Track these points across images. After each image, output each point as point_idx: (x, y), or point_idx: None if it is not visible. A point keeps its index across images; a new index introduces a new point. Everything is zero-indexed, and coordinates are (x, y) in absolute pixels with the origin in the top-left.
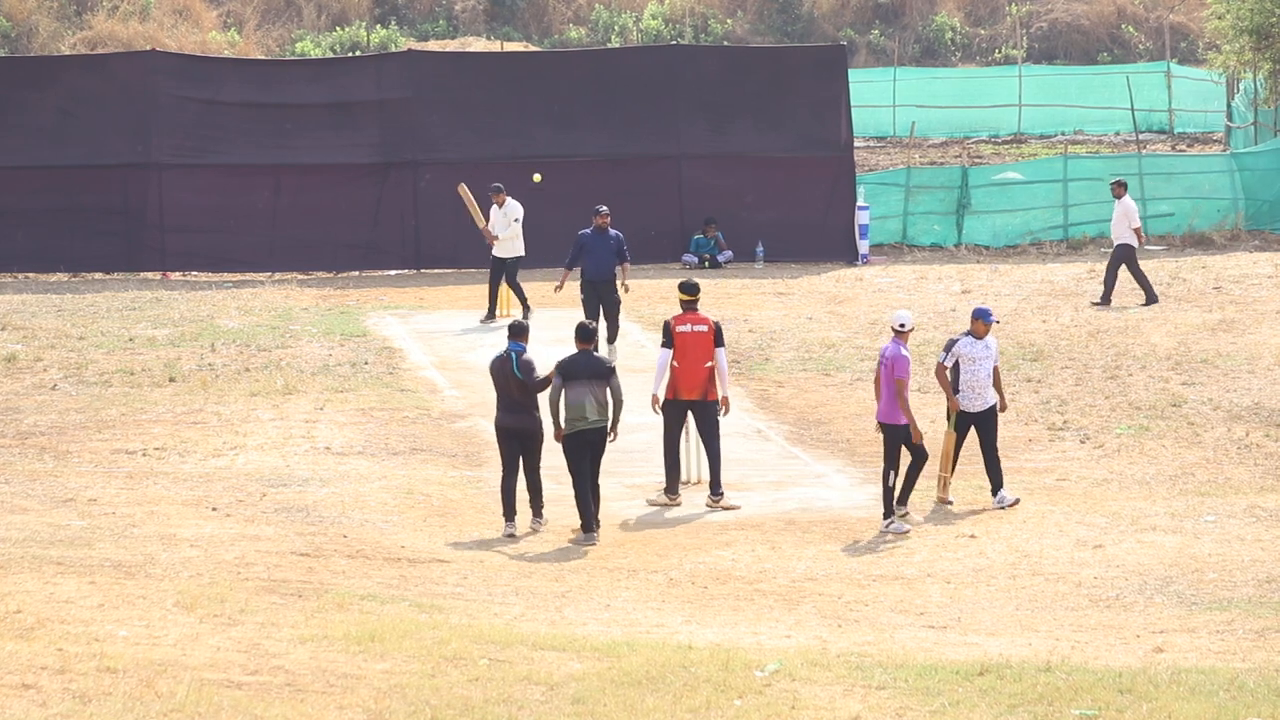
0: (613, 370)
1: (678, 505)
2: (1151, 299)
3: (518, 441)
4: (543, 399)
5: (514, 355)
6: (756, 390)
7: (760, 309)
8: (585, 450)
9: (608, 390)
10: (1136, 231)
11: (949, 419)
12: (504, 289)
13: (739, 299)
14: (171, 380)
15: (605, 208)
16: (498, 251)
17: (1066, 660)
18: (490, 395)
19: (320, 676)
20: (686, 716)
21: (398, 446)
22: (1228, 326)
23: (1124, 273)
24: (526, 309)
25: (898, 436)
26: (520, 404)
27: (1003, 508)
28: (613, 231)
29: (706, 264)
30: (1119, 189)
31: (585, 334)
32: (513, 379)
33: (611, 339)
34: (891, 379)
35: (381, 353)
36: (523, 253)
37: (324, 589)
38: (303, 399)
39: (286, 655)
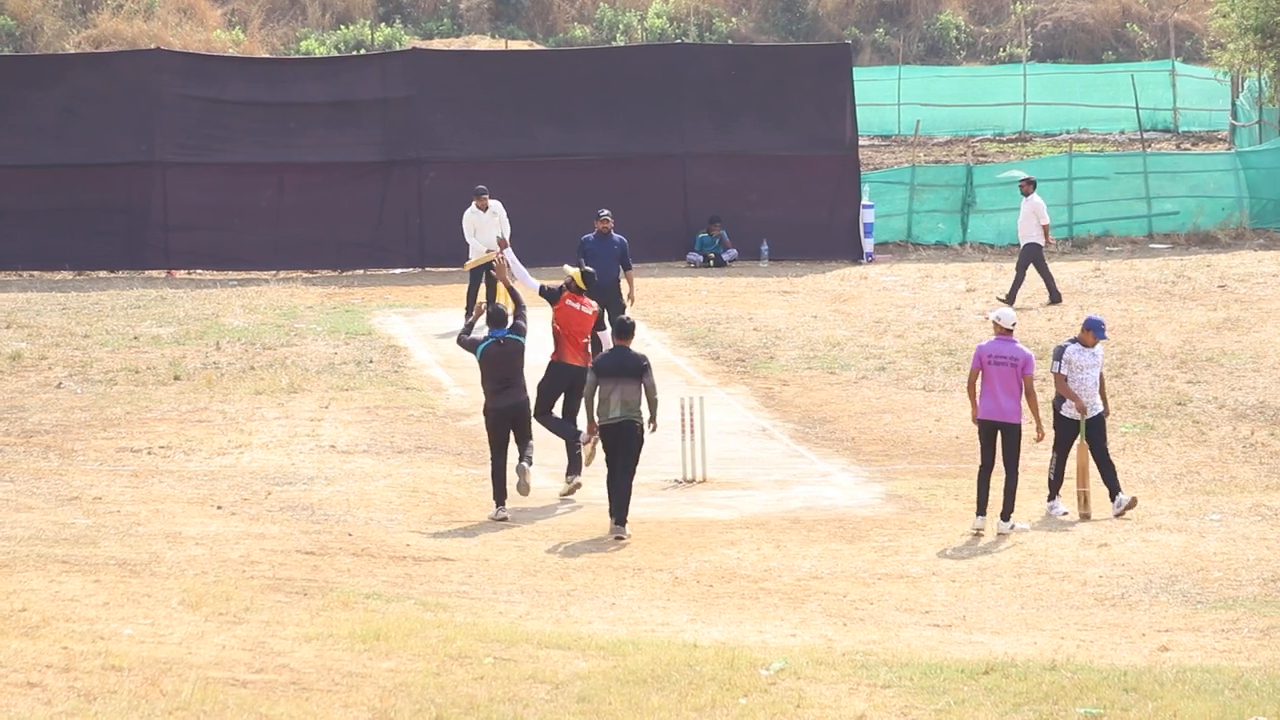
0: (645, 368)
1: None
2: (1055, 298)
3: (510, 421)
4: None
5: (520, 338)
6: (761, 389)
7: (765, 307)
8: (616, 445)
9: (640, 387)
10: (1045, 229)
11: (1080, 429)
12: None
13: (744, 297)
14: (176, 379)
15: (607, 211)
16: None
17: (1071, 659)
18: None
19: (325, 675)
20: (692, 715)
21: (403, 445)
22: (1232, 325)
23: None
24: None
25: (1017, 436)
26: (513, 385)
27: (1121, 511)
28: (616, 236)
29: (711, 262)
30: (1027, 186)
31: (623, 330)
32: (520, 360)
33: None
34: (1020, 378)
35: (386, 351)
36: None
37: (329, 587)
38: (308, 397)
39: (291, 654)
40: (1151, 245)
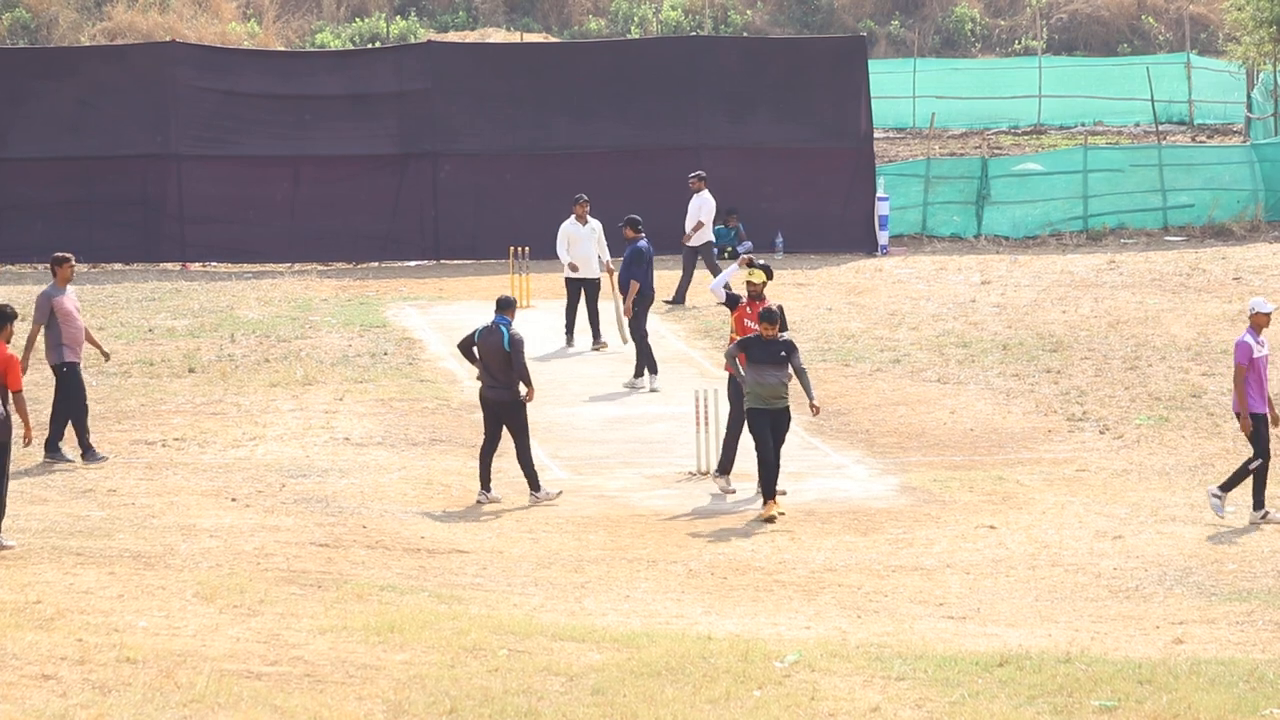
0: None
1: None
2: (678, 299)
3: (494, 413)
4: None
5: (504, 330)
6: None
7: (779, 299)
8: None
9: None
10: (697, 226)
11: None
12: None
13: None
14: (191, 371)
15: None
16: (583, 272)
17: (1086, 651)
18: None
19: (340, 667)
20: (706, 707)
21: (417, 437)
22: (1248, 317)
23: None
24: (571, 330)
25: (1259, 425)
26: (495, 377)
27: None
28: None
29: (726, 254)
30: (698, 183)
31: (769, 317)
32: (499, 354)
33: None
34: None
35: (401, 343)
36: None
37: (343, 580)
38: (322, 390)
39: (306, 646)
40: (1166, 238)
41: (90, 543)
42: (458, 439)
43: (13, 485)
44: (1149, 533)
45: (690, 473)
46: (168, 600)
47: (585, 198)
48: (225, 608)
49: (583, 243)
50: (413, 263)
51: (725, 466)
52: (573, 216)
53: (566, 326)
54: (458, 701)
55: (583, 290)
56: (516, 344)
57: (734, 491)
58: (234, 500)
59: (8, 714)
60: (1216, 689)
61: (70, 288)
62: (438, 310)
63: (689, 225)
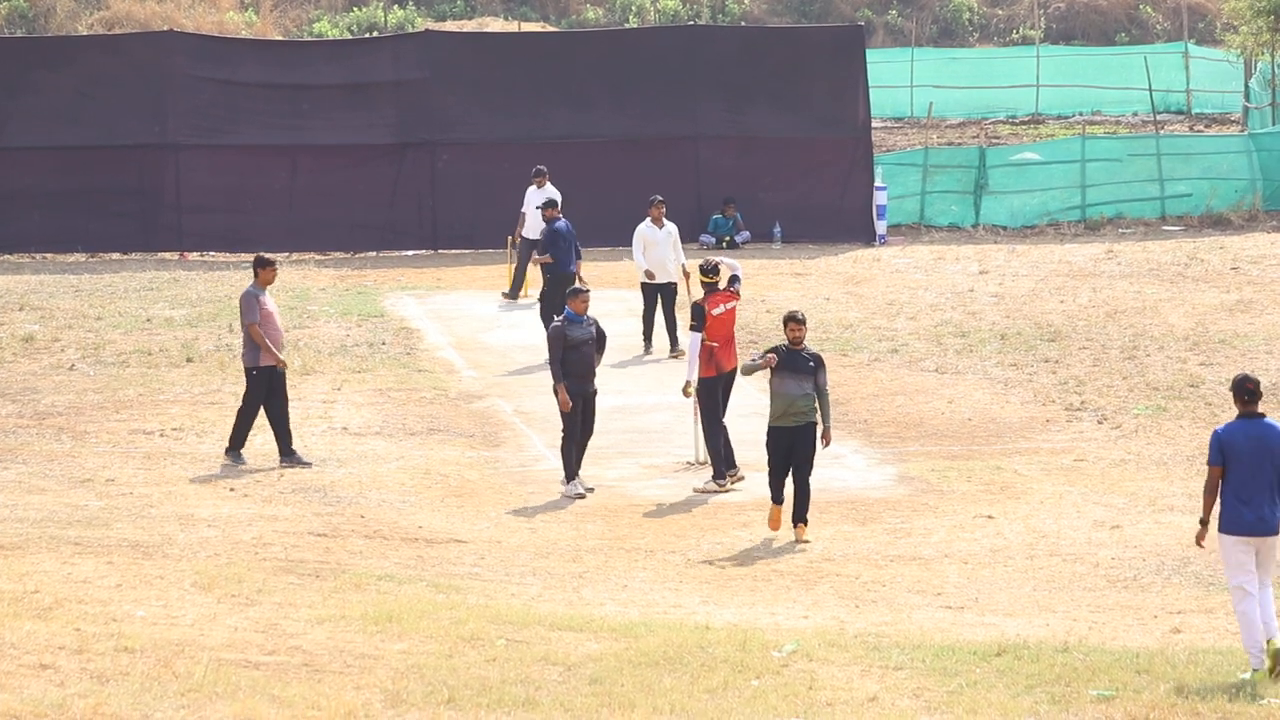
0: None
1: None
2: (513, 294)
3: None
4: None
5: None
6: None
7: (778, 289)
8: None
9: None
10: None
11: None
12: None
13: (756, 279)
14: (189, 360)
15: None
16: (660, 277)
17: (1084, 641)
18: (507, 377)
19: (338, 656)
20: (704, 696)
21: (415, 427)
22: (1245, 307)
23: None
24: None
25: None
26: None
27: None
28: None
29: (724, 244)
30: (542, 180)
31: (797, 318)
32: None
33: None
34: None
35: (399, 333)
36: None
37: (341, 569)
38: (320, 379)
39: (304, 635)
40: (1164, 227)
41: (88, 532)
42: (455, 429)
43: (11, 475)
44: (1147, 522)
45: (688, 463)
46: (166, 590)
47: (661, 199)
48: (223, 597)
49: (659, 246)
50: (410, 252)
51: (720, 470)
52: (648, 219)
53: (645, 333)
54: (455, 691)
55: (660, 296)
56: (548, 335)
57: (743, 478)
58: (232, 490)
59: (6, 703)
60: (1214, 678)
61: (268, 289)
62: (435, 300)
63: (536, 221)
